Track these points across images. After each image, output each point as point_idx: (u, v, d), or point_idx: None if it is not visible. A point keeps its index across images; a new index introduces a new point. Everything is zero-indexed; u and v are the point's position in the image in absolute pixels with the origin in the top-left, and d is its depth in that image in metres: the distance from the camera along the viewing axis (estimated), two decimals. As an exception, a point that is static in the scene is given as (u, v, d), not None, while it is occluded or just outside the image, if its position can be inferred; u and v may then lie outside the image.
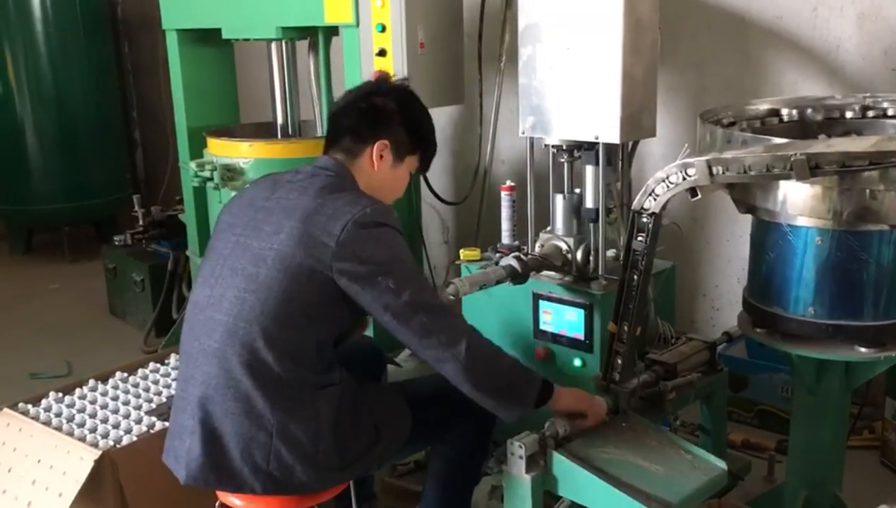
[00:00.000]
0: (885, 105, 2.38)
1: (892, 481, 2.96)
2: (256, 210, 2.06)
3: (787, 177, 1.87)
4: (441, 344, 1.93)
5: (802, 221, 2.00)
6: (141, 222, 4.77)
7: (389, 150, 2.15)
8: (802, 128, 2.39)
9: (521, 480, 2.00)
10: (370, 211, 1.97)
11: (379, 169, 2.15)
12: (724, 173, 1.93)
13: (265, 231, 2.00)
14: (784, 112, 2.42)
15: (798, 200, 1.97)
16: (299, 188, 2.06)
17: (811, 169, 1.81)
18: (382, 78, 2.28)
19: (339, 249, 1.91)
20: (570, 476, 1.99)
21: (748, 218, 2.20)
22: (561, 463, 2.00)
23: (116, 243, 4.71)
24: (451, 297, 2.46)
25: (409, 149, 2.20)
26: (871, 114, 2.39)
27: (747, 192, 2.08)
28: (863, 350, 2.04)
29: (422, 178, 3.57)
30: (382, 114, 2.15)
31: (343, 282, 1.92)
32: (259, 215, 2.04)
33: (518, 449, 1.98)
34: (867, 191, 1.88)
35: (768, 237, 2.10)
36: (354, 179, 2.11)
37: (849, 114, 2.39)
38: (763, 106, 2.44)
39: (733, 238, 3.58)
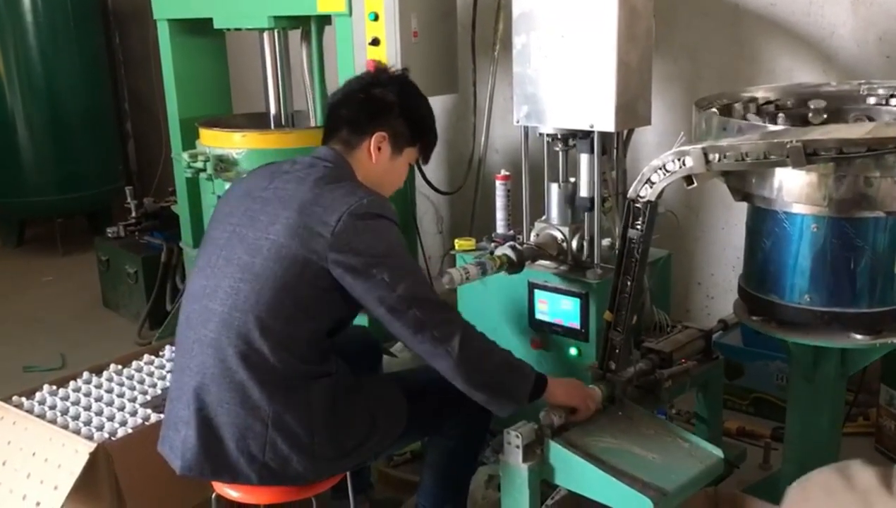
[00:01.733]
0: (881, 91, 2.37)
1: (887, 467, 2.96)
2: (253, 200, 2.05)
3: (783, 165, 1.86)
4: (434, 339, 1.93)
5: (798, 208, 2.00)
6: (134, 214, 4.74)
7: (388, 142, 2.14)
8: (797, 115, 2.39)
9: (517, 469, 2.00)
10: (366, 202, 1.96)
11: (377, 161, 2.14)
12: (719, 161, 1.93)
13: (261, 221, 1.99)
14: (779, 99, 2.41)
15: (794, 187, 1.97)
16: (296, 178, 2.05)
17: (807, 156, 1.81)
18: (381, 68, 2.27)
19: (334, 240, 1.91)
20: (567, 465, 1.99)
21: (743, 206, 2.20)
22: (557, 452, 2.00)
23: (109, 235, 4.69)
24: (447, 287, 2.46)
25: (409, 140, 2.18)
26: (869, 101, 2.38)
27: (743, 180, 2.08)
28: (858, 337, 2.05)
29: (416, 168, 3.55)
30: (381, 105, 2.13)
31: (338, 273, 1.92)
32: (256, 205, 2.03)
33: (515, 439, 1.98)
34: (862, 177, 1.88)
35: (764, 224, 2.10)
36: (352, 170, 2.10)
37: (844, 101, 2.39)
38: (758, 93, 2.44)
39: (728, 226, 3.58)
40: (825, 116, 2.34)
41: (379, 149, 2.13)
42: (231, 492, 2.06)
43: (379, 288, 1.91)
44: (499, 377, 2.01)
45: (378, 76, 2.21)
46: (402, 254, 2.00)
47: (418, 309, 1.92)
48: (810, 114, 2.34)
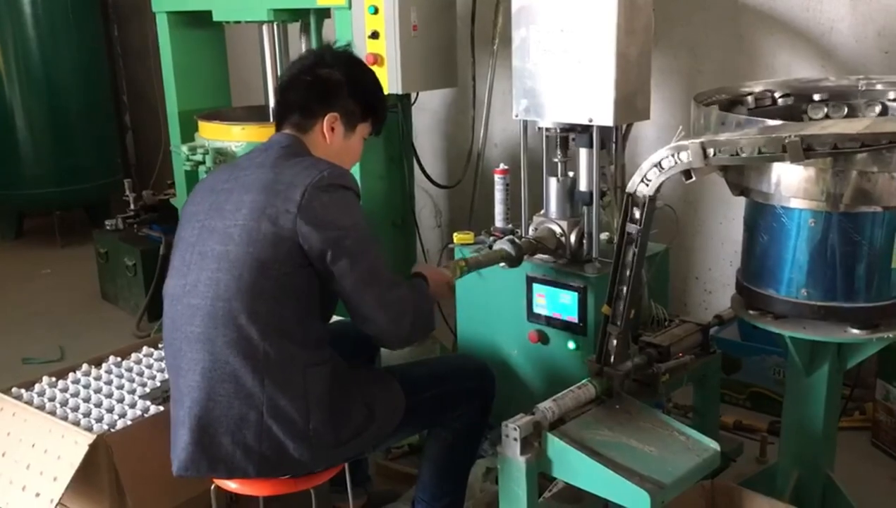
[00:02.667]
0: (879, 87, 2.38)
1: (883, 461, 2.98)
2: (217, 193, 2.07)
3: (781, 159, 1.87)
4: (389, 320, 2.00)
5: (796, 203, 2.00)
6: (132, 206, 4.75)
7: (340, 122, 2.16)
8: (796, 110, 2.39)
9: (515, 462, 2.01)
10: (327, 174, 1.98)
11: (331, 141, 2.16)
12: (718, 155, 1.93)
13: (227, 210, 2.01)
14: (778, 94, 2.42)
15: (791, 182, 1.97)
16: (255, 164, 2.07)
17: (805, 151, 1.81)
18: (325, 46, 2.26)
19: (300, 213, 1.93)
20: (565, 457, 2.00)
21: (741, 201, 2.20)
22: (555, 445, 2.00)
23: (108, 228, 4.69)
24: (453, 275, 2.45)
25: (360, 117, 2.21)
26: (869, 95, 2.39)
27: (741, 175, 2.08)
28: (855, 331, 2.05)
29: (415, 162, 3.57)
30: (329, 85, 2.14)
31: (307, 247, 1.93)
32: (220, 197, 2.05)
33: (513, 432, 1.99)
34: (860, 173, 1.88)
35: (762, 219, 2.10)
36: (308, 150, 2.12)
37: (842, 96, 2.39)
38: (757, 88, 2.44)
39: (726, 221, 3.59)
40: (823, 112, 2.35)
41: (332, 129, 2.15)
42: (230, 484, 2.07)
43: (341, 260, 1.94)
44: (427, 322, 2.14)
45: (323, 55, 2.20)
46: (365, 227, 2.03)
47: (377, 286, 1.98)
48: (809, 109, 2.35)
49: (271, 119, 3.68)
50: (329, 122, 2.14)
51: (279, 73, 3.70)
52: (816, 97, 2.39)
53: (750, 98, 2.40)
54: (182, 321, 2.02)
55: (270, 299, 1.94)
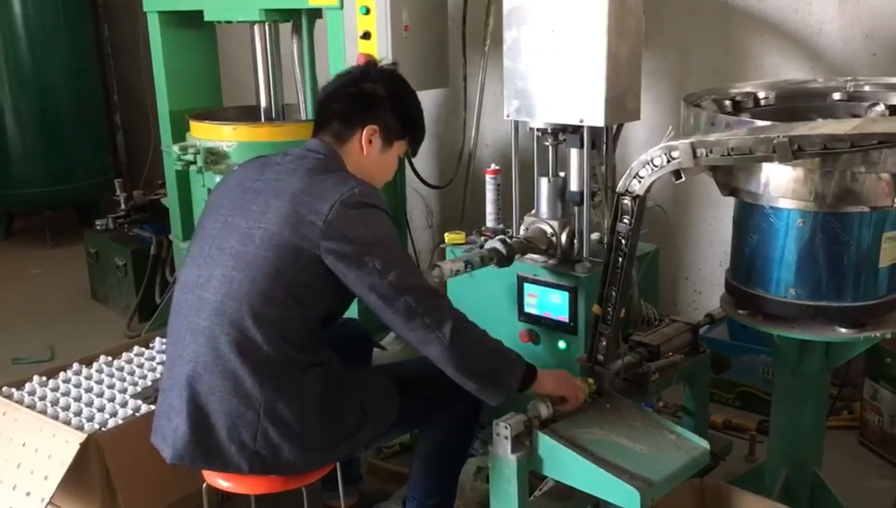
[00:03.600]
0: (867, 88, 2.40)
1: (871, 460, 3.00)
2: (245, 191, 2.07)
3: (770, 160, 1.88)
4: (426, 325, 1.94)
5: (784, 203, 2.02)
6: (123, 206, 4.73)
7: (378, 136, 2.16)
8: (785, 111, 2.41)
9: (506, 460, 2.02)
10: (358, 191, 1.98)
11: (368, 153, 2.16)
12: (707, 156, 1.95)
13: (253, 211, 2.01)
14: (766, 95, 2.43)
15: (780, 182, 1.99)
16: (288, 170, 2.07)
17: (793, 151, 1.83)
18: (371, 62, 2.28)
19: (326, 228, 1.92)
20: (555, 456, 2.01)
21: (731, 201, 2.22)
22: (546, 444, 2.02)
23: (98, 228, 4.68)
24: (437, 280, 2.47)
25: (398, 134, 2.21)
26: (856, 97, 2.40)
27: (730, 175, 2.10)
28: (843, 330, 2.07)
29: (406, 162, 3.57)
30: (372, 99, 2.16)
31: (329, 261, 1.93)
32: (247, 196, 2.05)
33: (504, 430, 2.00)
34: (848, 173, 1.89)
35: (751, 219, 2.12)
36: (343, 162, 2.12)
37: (831, 97, 2.41)
38: (746, 89, 2.46)
39: (716, 221, 3.61)
40: (811, 113, 2.37)
41: (370, 141, 2.16)
42: (222, 482, 2.07)
43: (370, 275, 1.93)
44: (490, 364, 2.02)
45: (368, 70, 2.23)
46: (393, 242, 2.02)
47: (409, 297, 1.94)
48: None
49: (263, 119, 3.74)
50: (368, 134, 2.15)
51: (271, 73, 3.70)
52: (803, 98, 2.39)
53: (750, 99, 2.41)
54: (189, 311, 2.02)
55: (280, 305, 1.95)
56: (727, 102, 2.37)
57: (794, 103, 2.42)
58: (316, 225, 1.93)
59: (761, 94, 2.43)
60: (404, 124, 2.22)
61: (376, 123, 2.15)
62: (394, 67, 2.28)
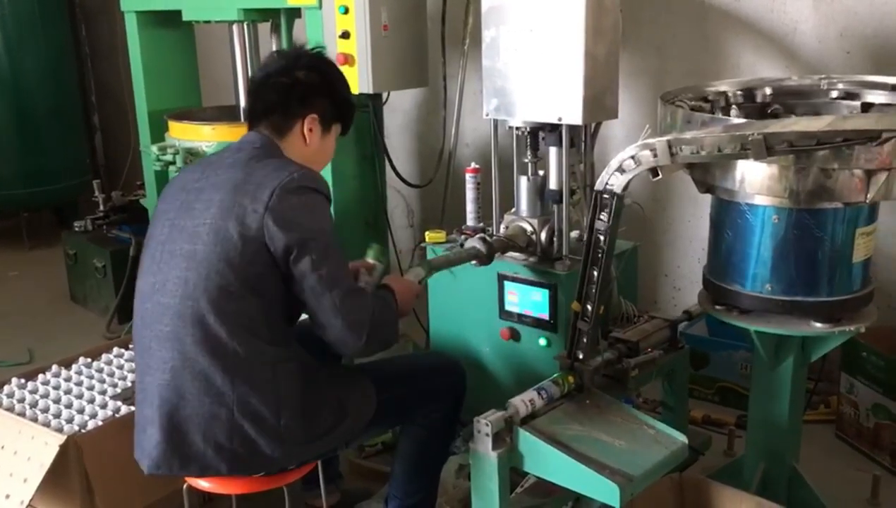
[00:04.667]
0: (841, 86, 2.43)
1: (847, 453, 3.04)
2: (188, 192, 2.07)
3: (745, 157, 1.90)
4: (347, 326, 1.97)
5: (760, 200, 2.04)
6: (101, 207, 4.70)
7: (318, 123, 2.18)
8: (760, 109, 2.44)
9: (487, 457, 2.02)
10: (297, 176, 2.00)
11: (310, 142, 2.18)
12: (684, 153, 1.97)
13: (197, 209, 2.01)
14: (742, 93, 2.46)
15: (755, 179, 2.01)
16: (226, 164, 2.08)
17: (768, 148, 1.85)
18: (299, 48, 2.27)
19: (268, 214, 1.93)
20: (536, 452, 2.02)
21: (709, 199, 2.24)
22: (526, 440, 2.03)
23: (77, 229, 4.64)
24: (419, 282, 2.47)
25: (335, 118, 2.23)
26: (830, 95, 2.43)
27: (707, 172, 2.12)
28: (818, 325, 2.09)
29: (387, 162, 3.57)
30: (308, 88, 2.16)
31: (272, 248, 1.94)
32: (190, 196, 2.06)
33: (485, 427, 2.00)
34: (822, 169, 1.92)
35: (727, 216, 2.14)
36: (280, 150, 2.13)
37: (805, 95, 2.44)
38: (722, 87, 2.48)
39: (694, 219, 3.64)
40: (786, 110, 2.39)
41: (311, 130, 2.17)
42: (202, 483, 2.06)
43: (303, 264, 1.95)
44: (389, 333, 2.11)
45: (299, 57, 2.21)
46: (331, 232, 2.04)
47: (336, 295, 1.96)
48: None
49: (242, 119, 3.73)
50: (309, 123, 2.16)
51: (250, 73, 3.69)
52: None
53: (726, 97, 2.43)
54: (152, 319, 2.02)
55: (238, 298, 1.95)
56: (704, 101, 2.39)
57: (769, 101, 2.45)
58: (258, 212, 1.94)
59: (738, 93, 2.45)
60: (339, 108, 2.24)
61: (315, 112, 2.17)
62: (322, 51, 2.28)
